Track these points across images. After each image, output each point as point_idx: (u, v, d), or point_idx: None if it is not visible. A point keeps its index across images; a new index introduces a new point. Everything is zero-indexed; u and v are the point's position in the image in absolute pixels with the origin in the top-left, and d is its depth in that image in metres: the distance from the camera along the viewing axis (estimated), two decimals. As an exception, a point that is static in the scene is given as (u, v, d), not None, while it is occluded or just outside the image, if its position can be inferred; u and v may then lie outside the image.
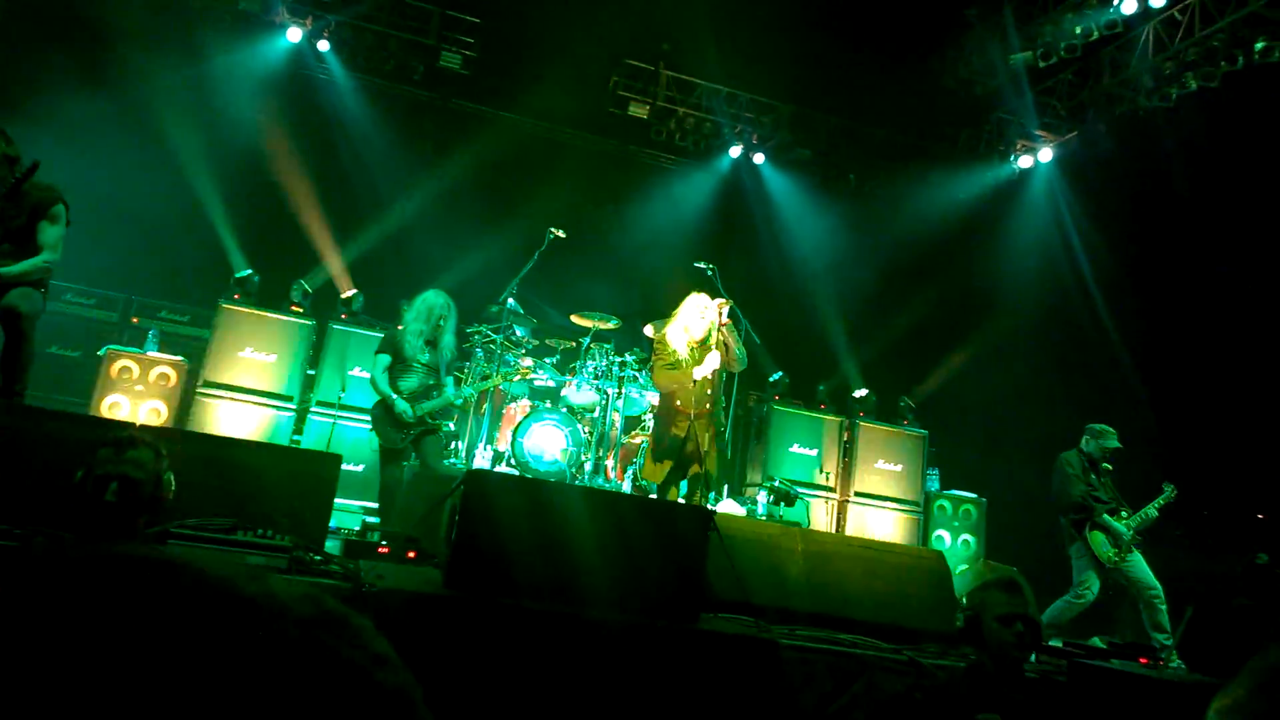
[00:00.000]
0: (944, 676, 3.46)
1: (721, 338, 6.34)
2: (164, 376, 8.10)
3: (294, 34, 10.09)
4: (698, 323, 6.31)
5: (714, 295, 6.45)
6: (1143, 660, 6.33)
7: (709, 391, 6.30)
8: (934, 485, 10.10)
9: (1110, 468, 7.62)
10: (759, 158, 11.82)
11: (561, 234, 8.49)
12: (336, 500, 7.46)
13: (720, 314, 6.30)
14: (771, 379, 10.25)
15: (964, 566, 9.16)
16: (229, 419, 8.24)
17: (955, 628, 3.37)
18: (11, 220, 5.32)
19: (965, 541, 9.64)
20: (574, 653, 3.27)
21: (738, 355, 6.51)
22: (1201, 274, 9.49)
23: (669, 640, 3.46)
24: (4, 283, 5.20)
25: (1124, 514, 7.35)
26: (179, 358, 8.25)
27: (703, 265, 7.58)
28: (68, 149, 8.46)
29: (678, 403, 6.30)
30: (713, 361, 6.19)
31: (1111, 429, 7.61)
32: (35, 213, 5.35)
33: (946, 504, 9.79)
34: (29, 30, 8.97)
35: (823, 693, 4.24)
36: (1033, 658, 5.08)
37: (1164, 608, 7.09)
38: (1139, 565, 7.22)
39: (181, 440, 5.71)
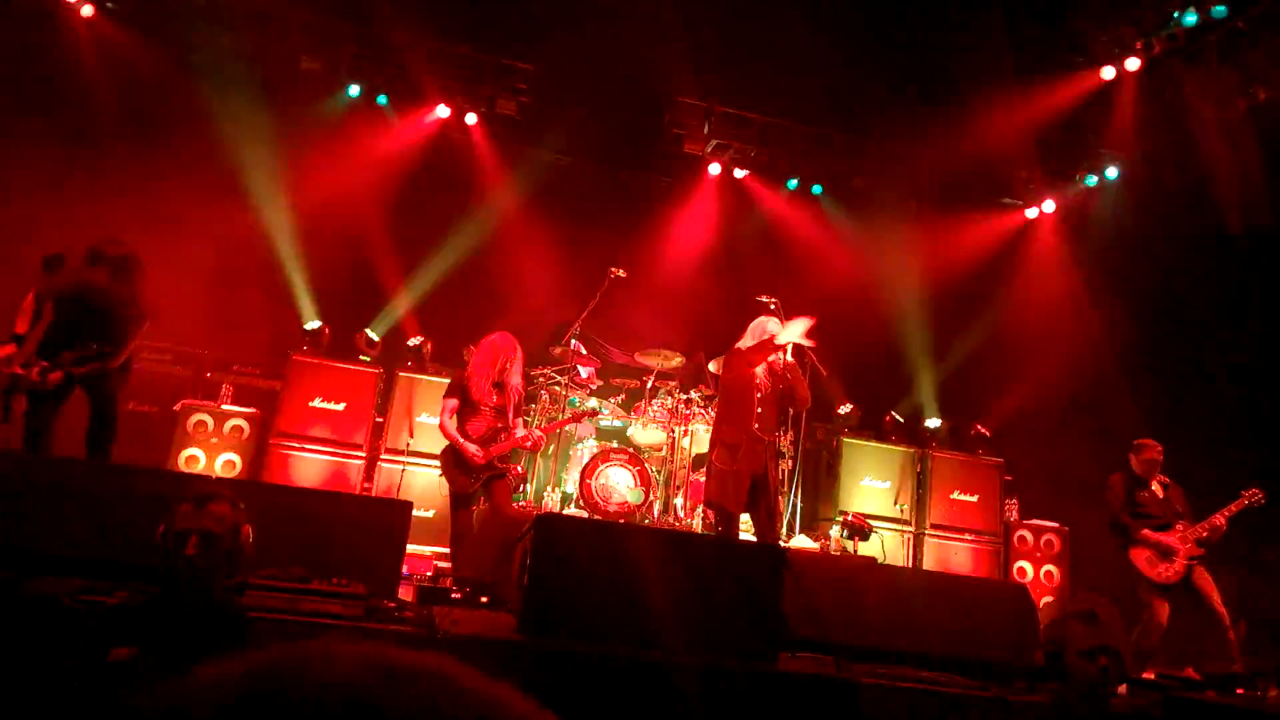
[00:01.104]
0: (1029, 712, 3.34)
1: (788, 373, 6.32)
2: (237, 429, 8.27)
3: (354, 89, 10.39)
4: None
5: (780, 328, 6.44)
6: (1239, 691, 6.07)
7: (780, 417, 6.33)
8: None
9: (1168, 482, 7.39)
10: (815, 188, 11.78)
11: (622, 273, 8.51)
12: (408, 546, 7.57)
13: (786, 353, 6.29)
14: (841, 411, 10.13)
15: (1048, 599, 8.90)
16: (301, 468, 8.37)
17: (1038, 664, 3.26)
18: None
19: (1048, 572, 9.36)
20: (649, 696, 3.22)
21: (804, 395, 6.50)
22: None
23: (745, 682, 3.39)
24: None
25: (1179, 527, 7.10)
26: (251, 409, 8.42)
27: (765, 299, 7.56)
28: (128, 204, 8.79)
29: (750, 425, 6.25)
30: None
31: (1153, 442, 7.43)
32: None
33: (1027, 534, 9.53)
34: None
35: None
36: (1123, 689, 4.91)
37: (1228, 628, 6.79)
38: (1200, 583, 6.93)
39: (255, 492, 5.83)
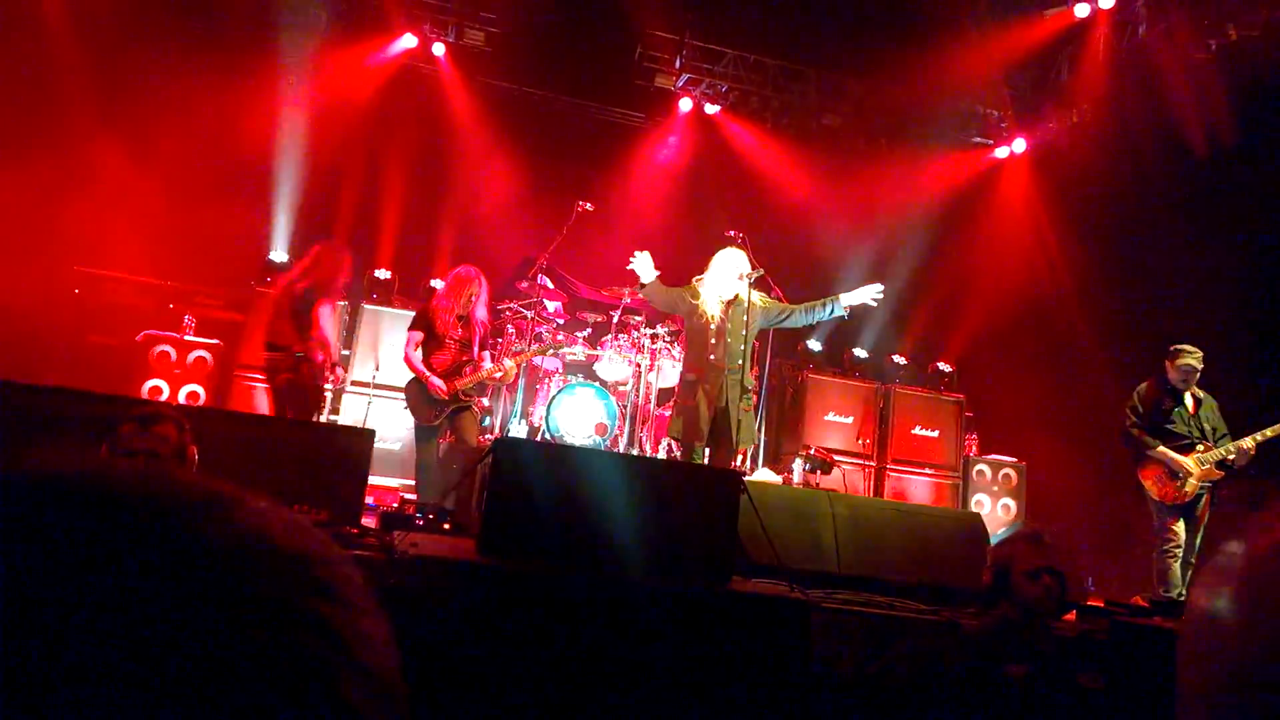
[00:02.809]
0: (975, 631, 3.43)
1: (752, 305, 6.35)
2: (201, 360, 8.21)
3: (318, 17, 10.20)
4: (729, 282, 6.36)
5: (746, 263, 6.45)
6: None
7: (742, 348, 6.30)
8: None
9: (1203, 396, 6.84)
10: (787, 125, 11.72)
11: (589, 206, 8.46)
12: (376, 478, 7.61)
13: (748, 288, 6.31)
14: (805, 347, 10.21)
15: (1003, 531, 9.08)
16: (266, 400, 8.33)
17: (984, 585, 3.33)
18: None
19: (1005, 506, 9.54)
20: (604, 616, 3.28)
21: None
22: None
23: (700, 602, 3.45)
24: None
25: (1199, 449, 6.64)
26: (215, 341, 8.36)
27: (732, 234, 7.56)
28: (86, 130, 8.64)
29: (711, 357, 6.29)
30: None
31: (1190, 347, 6.78)
32: None
33: (986, 468, 9.69)
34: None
35: (860, 654, 4.23)
36: (1073, 616, 5.03)
37: (1173, 557, 6.52)
38: (1199, 512, 6.61)
39: (215, 420, 5.80)
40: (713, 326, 6.29)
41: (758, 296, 6.47)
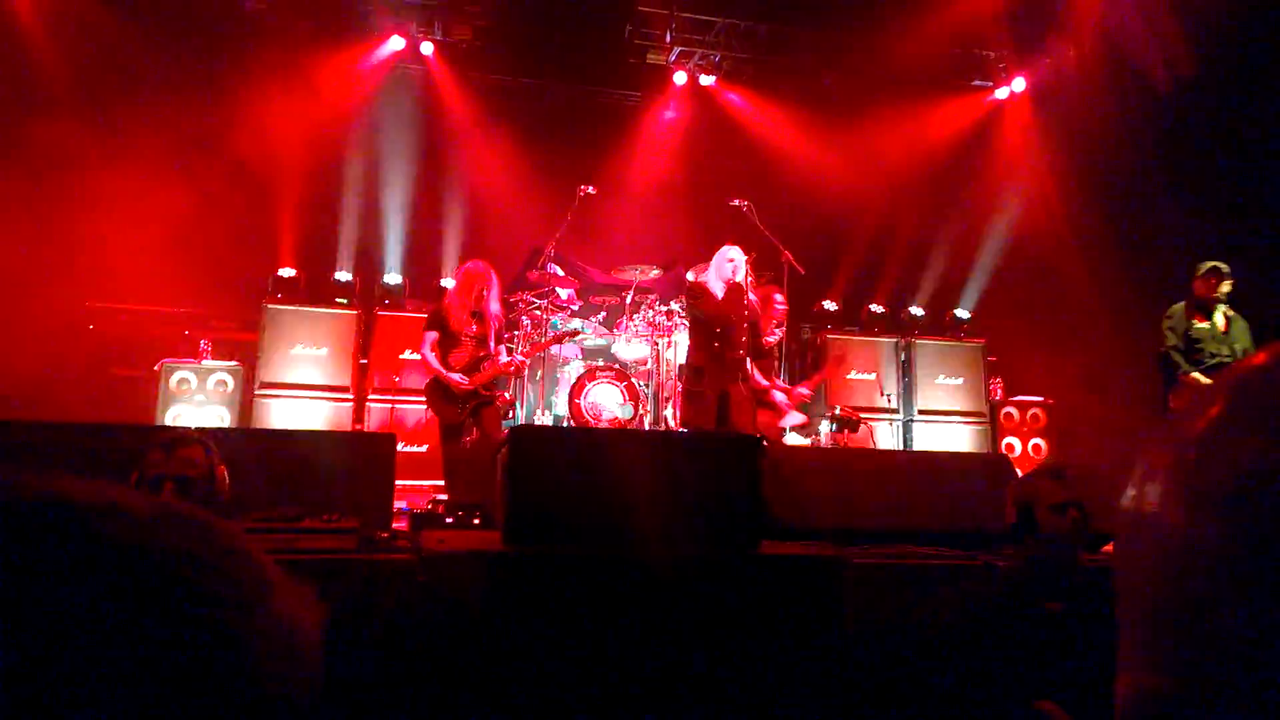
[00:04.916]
0: (1006, 572, 3.41)
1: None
2: (221, 383, 8.28)
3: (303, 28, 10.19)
4: (730, 273, 6.55)
5: (750, 236, 6.61)
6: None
7: (745, 338, 6.55)
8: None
9: (1233, 315, 6.70)
10: (784, 89, 11.61)
11: (591, 190, 8.44)
12: (406, 482, 7.65)
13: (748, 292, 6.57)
14: (822, 307, 10.17)
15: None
16: (290, 416, 8.41)
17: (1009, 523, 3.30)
18: None
19: (1035, 445, 9.47)
20: (631, 591, 3.29)
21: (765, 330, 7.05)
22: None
23: (726, 568, 3.45)
24: None
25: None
26: (233, 362, 8.43)
27: (738, 203, 7.58)
28: (84, 172, 8.70)
29: (716, 345, 6.47)
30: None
31: (1216, 264, 6.66)
32: None
33: (1013, 411, 9.62)
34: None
35: (899, 605, 4.21)
36: (1109, 548, 4.99)
37: None
38: None
39: (240, 439, 5.85)
40: (716, 315, 6.46)
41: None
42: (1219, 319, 6.76)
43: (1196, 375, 6.60)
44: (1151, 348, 7.13)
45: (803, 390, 8.04)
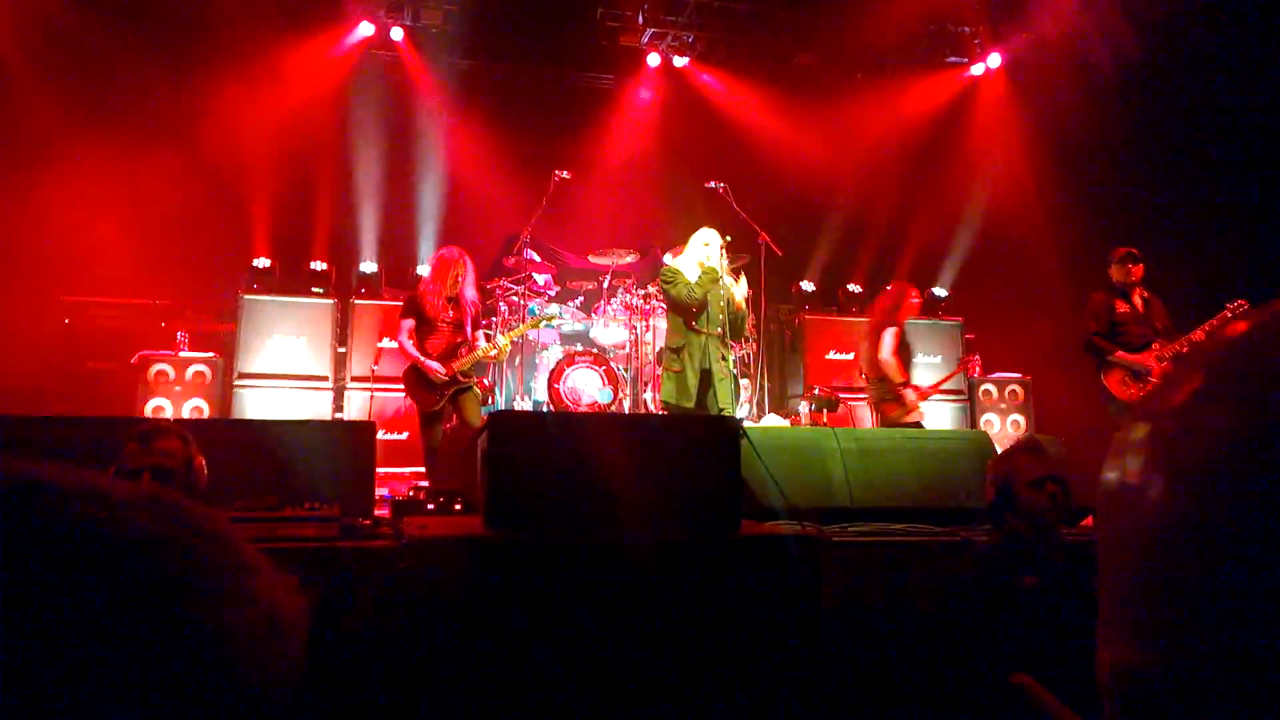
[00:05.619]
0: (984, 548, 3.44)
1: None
2: (199, 375, 8.23)
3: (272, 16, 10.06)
4: (706, 258, 6.59)
5: (727, 218, 6.63)
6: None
7: (721, 317, 6.61)
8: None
9: (1149, 296, 7.01)
10: (759, 69, 11.58)
11: (566, 175, 8.43)
12: (387, 469, 7.65)
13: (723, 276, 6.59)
14: (799, 289, 10.19)
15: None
16: (269, 406, 8.37)
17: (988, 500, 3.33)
18: None
19: (1014, 422, 9.55)
20: (610, 574, 3.31)
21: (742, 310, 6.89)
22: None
23: (705, 549, 3.47)
24: None
25: (1154, 346, 6.81)
26: (210, 354, 8.38)
27: (714, 185, 7.60)
28: (55, 165, 8.60)
29: (693, 324, 6.55)
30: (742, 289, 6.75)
31: (1129, 249, 6.99)
32: None
33: (991, 388, 9.68)
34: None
35: (879, 583, 4.25)
36: (1090, 521, 5.04)
37: None
38: None
39: (218, 429, 5.83)
40: (695, 296, 6.49)
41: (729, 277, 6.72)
42: (1137, 301, 7.06)
43: (1122, 355, 6.92)
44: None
45: (934, 387, 8.21)
